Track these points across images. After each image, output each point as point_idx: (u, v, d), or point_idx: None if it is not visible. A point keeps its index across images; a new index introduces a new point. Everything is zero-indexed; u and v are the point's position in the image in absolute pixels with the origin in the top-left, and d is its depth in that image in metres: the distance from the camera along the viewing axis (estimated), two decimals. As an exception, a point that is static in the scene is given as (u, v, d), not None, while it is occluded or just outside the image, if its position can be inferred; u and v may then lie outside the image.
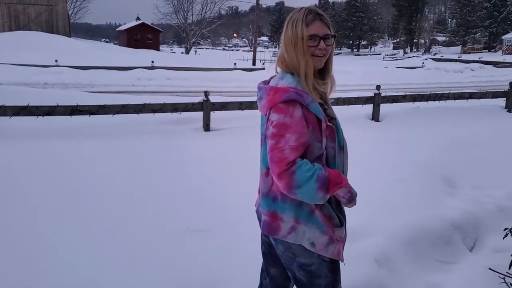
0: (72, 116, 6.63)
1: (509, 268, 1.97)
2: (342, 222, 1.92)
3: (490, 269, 2.16)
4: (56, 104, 6.48)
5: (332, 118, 1.90)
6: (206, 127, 7.35)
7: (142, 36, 53.83)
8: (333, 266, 1.92)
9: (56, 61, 19.98)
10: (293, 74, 1.86)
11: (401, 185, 4.40)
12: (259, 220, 2.03)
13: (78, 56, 23.69)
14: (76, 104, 6.61)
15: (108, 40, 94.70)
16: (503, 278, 2.00)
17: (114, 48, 41.52)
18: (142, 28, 54.56)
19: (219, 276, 2.88)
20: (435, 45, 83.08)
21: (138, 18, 56.12)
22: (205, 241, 3.39)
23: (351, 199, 1.83)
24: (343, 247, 1.93)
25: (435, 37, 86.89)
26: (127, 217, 3.73)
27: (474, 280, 2.79)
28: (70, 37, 38.97)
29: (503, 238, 2.28)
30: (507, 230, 2.26)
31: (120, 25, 69.73)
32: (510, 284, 1.98)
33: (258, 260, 3.02)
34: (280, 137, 1.76)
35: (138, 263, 3.06)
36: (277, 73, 1.97)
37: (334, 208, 1.89)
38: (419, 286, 2.89)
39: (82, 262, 3.06)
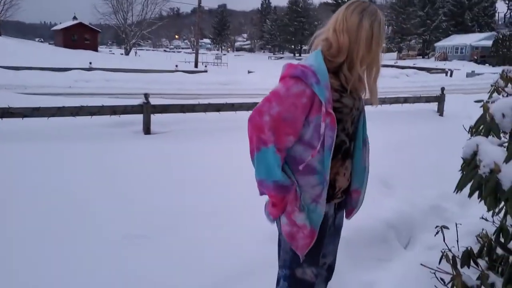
0: (3, 119, 6.31)
1: (439, 263, 2.08)
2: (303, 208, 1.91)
3: (422, 264, 2.26)
4: (-15, 106, 6.15)
5: (345, 106, 1.90)
6: (147, 130, 7.23)
7: (80, 37, 52.21)
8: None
9: (-15, 60, 18.95)
10: (320, 54, 1.86)
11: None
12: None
13: (9, 55, 22.64)
14: (7, 106, 6.29)
15: (42, 40, 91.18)
16: (434, 273, 2.10)
17: (49, 48, 39.98)
18: (80, 28, 52.94)
19: (154, 283, 2.83)
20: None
21: (75, 18, 54.41)
22: (143, 248, 3.29)
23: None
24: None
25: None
26: (58, 225, 3.57)
27: (408, 276, 2.90)
28: (0, 35, 37.13)
29: (435, 235, 2.39)
30: (438, 227, 2.36)
31: (55, 24, 67.15)
32: (441, 278, 2.08)
33: (196, 266, 3.01)
34: (267, 102, 1.83)
35: (74, 272, 2.95)
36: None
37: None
38: (357, 283, 2.98)
39: (9, 275, 2.91)
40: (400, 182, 4.97)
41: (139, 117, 7.29)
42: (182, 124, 7.62)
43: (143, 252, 3.23)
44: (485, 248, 2.02)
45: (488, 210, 1.56)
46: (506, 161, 1.41)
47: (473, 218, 3.13)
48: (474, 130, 1.64)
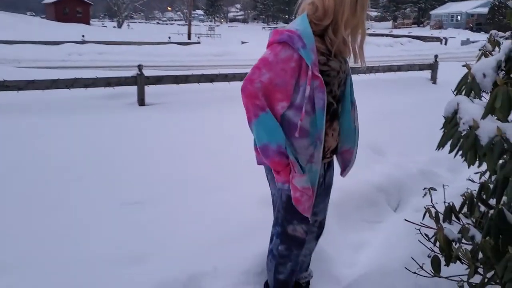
0: (-2, 92, 6.33)
1: (423, 219, 2.16)
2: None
3: (405, 220, 2.36)
4: (-20, 79, 6.15)
5: (332, 70, 1.94)
6: (141, 101, 7.25)
7: (71, 10, 51.50)
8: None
9: (-24, 35, 18.70)
10: (306, 18, 1.88)
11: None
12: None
13: (2, 29, 22.32)
14: (2, 79, 6.30)
15: (34, 14, 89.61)
16: (419, 229, 2.19)
17: (41, 21, 39.40)
18: (71, 1, 52.07)
19: (152, 247, 2.90)
20: (368, 20, 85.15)
21: (66, -10, 53.36)
22: (139, 214, 3.36)
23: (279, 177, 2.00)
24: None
25: (368, 12, 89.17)
26: (58, 194, 3.65)
27: (396, 236, 3.01)
28: (-9, 9, 36.53)
29: (423, 196, 2.47)
30: (426, 189, 2.44)
31: (46, -3, 65.81)
32: (425, 233, 2.17)
33: (190, 231, 3.09)
34: (256, 69, 1.87)
35: (73, 237, 3.03)
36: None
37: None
38: (348, 244, 3.09)
39: (10, 239, 2.99)
40: (392, 149, 5.05)
41: (133, 89, 7.30)
42: (176, 95, 7.64)
43: (141, 218, 3.30)
44: (466, 203, 2.11)
45: (469, 166, 1.62)
46: (483, 117, 1.48)
47: (463, 182, 3.20)
48: (456, 90, 1.70)
